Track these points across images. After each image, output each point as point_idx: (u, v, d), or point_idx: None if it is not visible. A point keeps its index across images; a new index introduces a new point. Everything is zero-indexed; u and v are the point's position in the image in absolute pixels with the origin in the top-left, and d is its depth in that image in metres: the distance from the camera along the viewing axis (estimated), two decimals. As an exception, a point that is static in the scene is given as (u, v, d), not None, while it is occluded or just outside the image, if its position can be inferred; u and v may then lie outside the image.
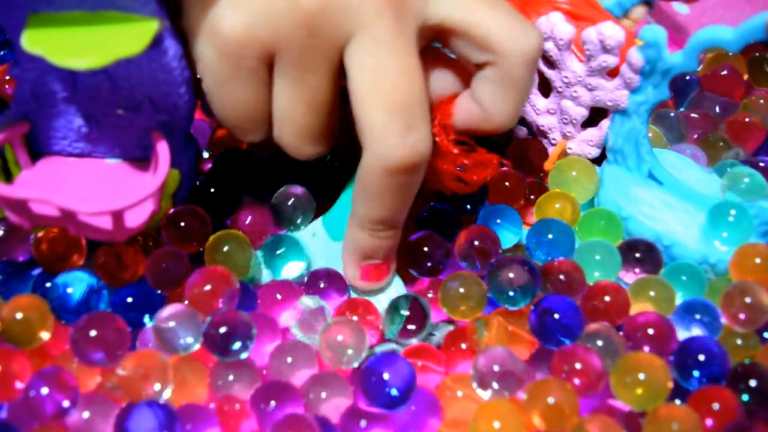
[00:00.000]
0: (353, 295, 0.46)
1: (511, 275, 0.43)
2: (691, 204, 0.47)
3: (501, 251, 0.46)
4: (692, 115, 0.55)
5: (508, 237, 0.48)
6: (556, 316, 0.42)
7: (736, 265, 0.44)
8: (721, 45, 0.44)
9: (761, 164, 0.51)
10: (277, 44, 0.40)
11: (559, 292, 0.43)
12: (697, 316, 0.43)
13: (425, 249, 0.46)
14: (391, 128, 0.39)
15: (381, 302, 0.45)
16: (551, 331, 0.42)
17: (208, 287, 0.42)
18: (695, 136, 0.55)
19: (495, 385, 0.40)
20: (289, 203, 0.48)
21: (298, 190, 0.48)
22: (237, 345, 0.41)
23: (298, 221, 0.48)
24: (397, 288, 0.46)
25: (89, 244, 0.45)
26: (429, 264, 0.46)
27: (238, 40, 0.40)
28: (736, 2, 0.69)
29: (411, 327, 0.43)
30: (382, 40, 0.40)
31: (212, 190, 0.48)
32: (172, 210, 0.45)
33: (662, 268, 0.46)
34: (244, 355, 0.41)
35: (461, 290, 0.44)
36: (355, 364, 0.42)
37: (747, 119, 0.54)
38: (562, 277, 0.44)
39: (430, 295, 0.47)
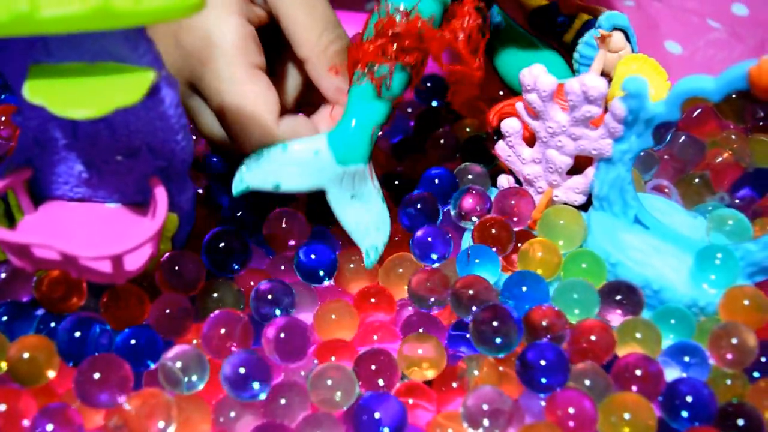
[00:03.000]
0: None
1: (495, 324, 0.43)
2: (678, 247, 0.48)
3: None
4: (665, 156, 0.56)
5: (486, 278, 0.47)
6: (543, 362, 0.42)
7: (726, 307, 0.45)
8: (702, 95, 0.44)
9: (737, 200, 0.51)
10: None
11: (542, 339, 0.43)
12: (686, 358, 0.43)
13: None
14: None
15: None
16: (537, 380, 0.42)
17: (222, 330, 0.43)
18: (669, 174, 0.55)
19: (485, 423, 0.40)
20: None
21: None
22: (257, 385, 0.42)
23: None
24: None
25: (92, 285, 0.45)
26: None
27: None
28: (727, 41, 0.69)
29: None
30: None
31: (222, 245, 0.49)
32: (165, 256, 0.46)
33: (643, 310, 0.46)
34: (262, 396, 0.42)
35: (419, 352, 0.44)
36: (345, 407, 0.42)
37: (720, 158, 0.55)
38: (544, 323, 0.44)
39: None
